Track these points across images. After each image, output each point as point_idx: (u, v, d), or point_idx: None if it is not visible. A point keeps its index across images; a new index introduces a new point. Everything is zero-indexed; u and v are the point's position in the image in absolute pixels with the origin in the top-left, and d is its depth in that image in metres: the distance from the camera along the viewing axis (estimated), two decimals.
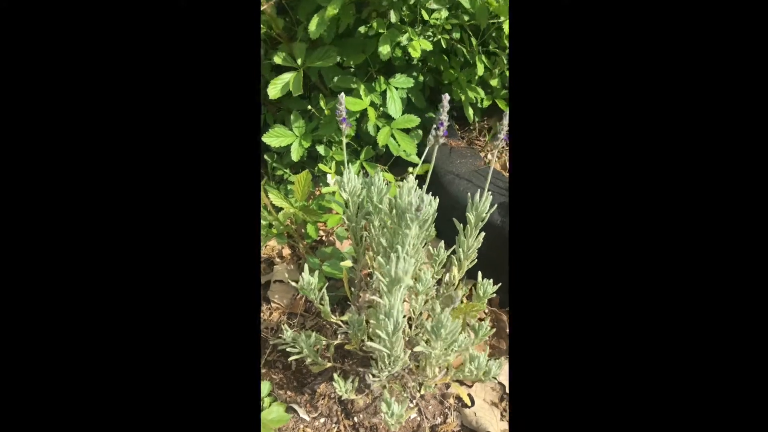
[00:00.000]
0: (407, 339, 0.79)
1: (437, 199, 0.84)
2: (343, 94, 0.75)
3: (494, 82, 1.27)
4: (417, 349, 0.69)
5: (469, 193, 0.76)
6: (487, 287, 0.83)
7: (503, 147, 1.35)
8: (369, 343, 0.65)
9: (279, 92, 1.06)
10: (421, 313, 0.80)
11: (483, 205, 0.73)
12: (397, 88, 1.08)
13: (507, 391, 1.00)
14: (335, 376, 0.83)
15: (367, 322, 0.89)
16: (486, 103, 1.31)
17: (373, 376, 0.80)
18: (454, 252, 0.86)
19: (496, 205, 0.75)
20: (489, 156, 1.31)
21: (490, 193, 0.72)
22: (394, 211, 0.78)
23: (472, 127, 1.40)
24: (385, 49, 0.98)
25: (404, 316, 0.66)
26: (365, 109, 1.11)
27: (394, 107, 1.07)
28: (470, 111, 1.27)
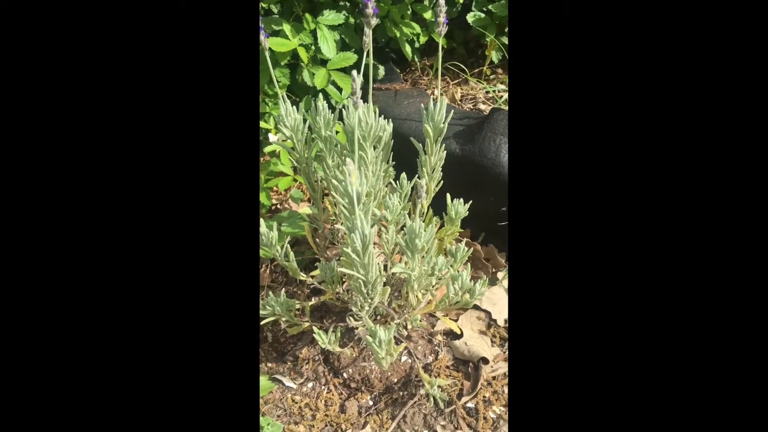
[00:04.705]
0: (384, 278, 0.74)
1: (390, 123, 0.78)
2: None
3: (428, 15, 1.22)
4: (394, 269, 0.63)
5: (422, 105, 0.70)
6: (458, 207, 0.79)
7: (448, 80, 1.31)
8: (342, 269, 0.59)
9: None
10: (396, 245, 0.74)
11: (439, 114, 0.68)
12: (328, 27, 1.01)
13: (493, 317, 0.97)
14: (315, 329, 0.77)
15: (341, 279, 0.83)
16: (423, 39, 1.26)
17: (354, 318, 0.75)
18: (419, 178, 0.81)
19: (451, 111, 0.70)
20: (436, 92, 1.26)
21: (443, 98, 0.67)
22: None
23: (413, 68, 1.34)
24: None
25: (376, 244, 0.60)
26: (298, 58, 1.03)
27: (327, 46, 1.00)
28: (407, 48, 1.21)
